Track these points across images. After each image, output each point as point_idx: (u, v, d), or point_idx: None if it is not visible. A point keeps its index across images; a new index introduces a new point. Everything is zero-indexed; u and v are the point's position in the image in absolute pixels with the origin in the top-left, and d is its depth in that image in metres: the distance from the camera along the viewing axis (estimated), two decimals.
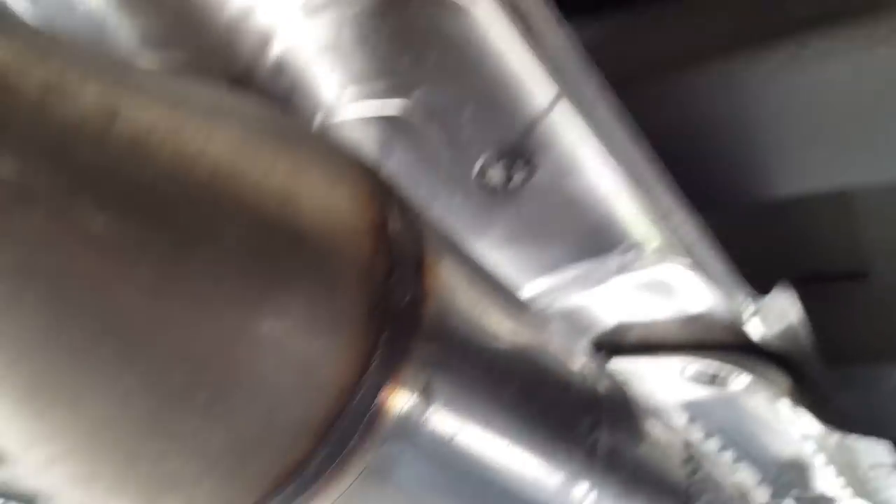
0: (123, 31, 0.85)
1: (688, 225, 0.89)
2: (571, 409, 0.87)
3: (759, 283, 1.80)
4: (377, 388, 0.58)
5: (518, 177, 1.06)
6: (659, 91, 0.96)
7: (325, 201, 0.60)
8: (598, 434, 0.90)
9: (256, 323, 0.51)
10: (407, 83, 0.93)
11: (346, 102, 0.95)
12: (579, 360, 0.99)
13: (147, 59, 0.88)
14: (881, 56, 0.84)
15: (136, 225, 0.48)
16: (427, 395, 0.64)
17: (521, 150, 1.03)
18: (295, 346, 0.53)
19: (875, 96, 0.89)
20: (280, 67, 0.92)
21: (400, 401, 0.60)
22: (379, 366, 0.58)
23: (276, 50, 0.90)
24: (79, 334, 0.48)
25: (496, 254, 1.22)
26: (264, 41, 0.89)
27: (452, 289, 0.71)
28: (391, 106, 0.96)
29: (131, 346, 0.49)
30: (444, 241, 0.77)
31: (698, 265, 0.98)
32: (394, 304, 0.60)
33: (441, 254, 0.72)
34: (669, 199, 0.84)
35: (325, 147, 0.67)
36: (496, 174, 1.06)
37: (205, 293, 0.49)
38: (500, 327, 0.79)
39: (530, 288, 1.32)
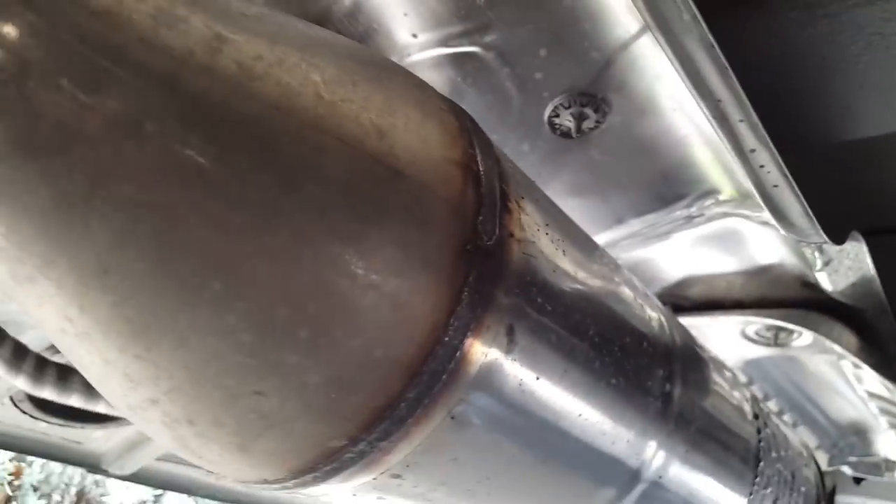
0: None
1: (771, 166, 0.85)
2: (647, 360, 0.86)
3: (831, 235, 1.74)
4: (465, 329, 0.58)
5: (589, 121, 1.04)
6: (747, 21, 0.91)
7: (418, 136, 0.59)
8: (672, 386, 0.89)
9: (356, 257, 0.51)
10: (481, 26, 0.90)
11: (420, 46, 0.94)
12: (655, 309, 0.97)
13: None
14: None
15: (244, 158, 0.48)
16: (510, 339, 0.63)
17: (594, 92, 1.00)
18: (391, 282, 0.52)
19: None
20: (356, 10, 0.90)
21: (484, 344, 0.60)
22: (467, 305, 0.57)
23: None
24: (186, 270, 0.48)
25: (562, 205, 1.19)
26: None
27: (535, 230, 0.70)
28: (465, 49, 0.94)
29: (236, 281, 0.49)
30: (526, 182, 0.76)
31: (775, 210, 0.94)
32: (482, 243, 0.59)
33: (523, 194, 0.71)
34: (754, 138, 0.81)
35: (415, 83, 0.66)
36: (567, 118, 1.04)
37: (308, 228, 0.49)
38: (579, 271, 0.77)
39: (598, 238, 1.30)
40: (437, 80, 0.98)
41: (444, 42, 0.93)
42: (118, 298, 0.49)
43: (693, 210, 1.23)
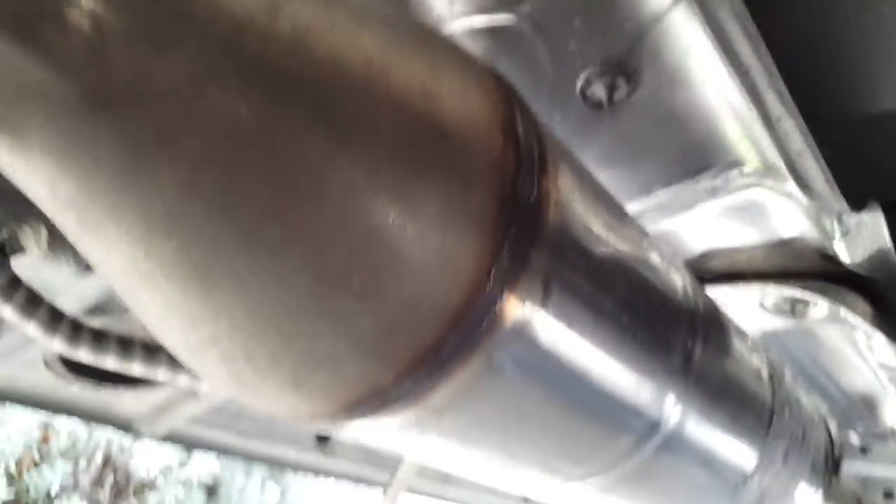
0: None
1: (796, 134, 0.87)
2: (671, 318, 0.90)
3: (851, 206, 1.76)
4: (504, 281, 0.61)
5: (621, 92, 1.06)
6: None
7: (462, 98, 0.62)
8: (693, 344, 0.93)
9: (405, 210, 0.54)
10: None
11: (456, 15, 0.96)
12: (681, 274, 1.01)
13: None
14: None
15: (299, 117, 0.51)
16: (545, 293, 0.67)
17: (626, 63, 1.02)
18: (436, 234, 0.56)
19: None
20: None
21: (521, 296, 0.64)
22: (507, 260, 0.61)
23: None
24: (247, 219, 0.52)
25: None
26: None
27: (570, 192, 0.73)
28: (499, 18, 0.96)
29: (294, 230, 0.53)
30: (562, 146, 0.79)
31: (798, 177, 0.97)
32: (521, 200, 0.63)
33: (560, 157, 0.74)
34: (781, 106, 0.83)
35: (457, 49, 0.69)
36: (599, 89, 1.06)
37: (361, 181, 0.53)
38: (609, 234, 0.81)
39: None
40: (472, 50, 1.00)
41: (480, 11, 0.95)
42: (182, 244, 0.53)
43: (718, 181, 1.25)
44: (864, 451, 2.19)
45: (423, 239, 0.55)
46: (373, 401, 0.60)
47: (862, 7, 0.90)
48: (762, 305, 1.72)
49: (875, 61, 0.98)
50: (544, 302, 0.66)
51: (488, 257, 0.59)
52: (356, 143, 0.53)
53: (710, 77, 0.98)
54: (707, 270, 1.66)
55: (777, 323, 1.78)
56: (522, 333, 0.66)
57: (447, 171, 0.57)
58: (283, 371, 0.58)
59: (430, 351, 0.58)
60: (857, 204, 1.67)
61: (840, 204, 0.99)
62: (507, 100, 0.67)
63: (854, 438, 2.20)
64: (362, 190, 0.53)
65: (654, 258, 0.91)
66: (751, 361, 1.16)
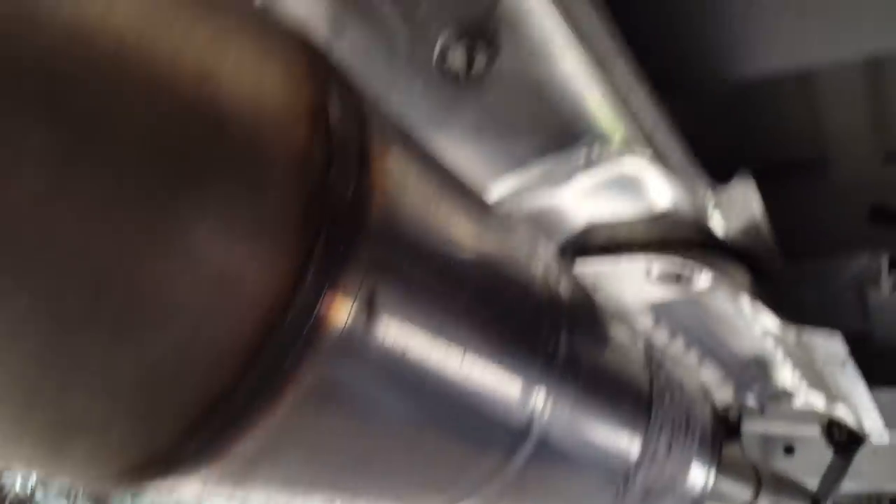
0: None
1: (648, 109, 0.81)
2: (531, 312, 0.82)
3: (722, 173, 1.76)
4: (315, 301, 0.50)
5: (480, 60, 0.96)
6: None
7: (252, 77, 0.50)
8: (557, 338, 0.85)
9: (165, 230, 0.42)
10: None
11: None
12: (541, 262, 0.93)
13: None
14: None
15: (20, 116, 0.38)
16: (373, 305, 0.56)
17: (484, 28, 0.92)
18: (213, 256, 0.44)
19: None
20: None
21: (342, 313, 0.53)
22: (316, 275, 0.50)
23: None
24: None
25: (460, 148, 1.13)
26: None
27: (402, 183, 0.63)
28: None
29: (21, 262, 0.40)
30: (393, 129, 0.68)
31: (658, 154, 0.91)
32: (333, 201, 0.52)
33: (389, 142, 0.64)
34: (630, 81, 0.76)
35: (256, 14, 0.57)
36: (457, 57, 0.96)
37: (103, 196, 0.40)
38: (455, 227, 0.71)
39: (497, 187, 1.25)
40: (313, 10, 0.88)
41: None
42: None
43: (592, 152, 1.18)
44: (761, 411, 2.26)
45: (193, 263, 0.43)
46: (155, 466, 0.48)
47: None
48: (649, 276, 1.71)
49: (736, 27, 0.93)
50: (371, 319, 0.55)
51: (288, 277, 0.48)
52: (96, 146, 0.40)
53: (565, 47, 0.90)
54: (591, 244, 1.62)
55: (665, 293, 1.77)
56: (348, 353, 0.55)
57: (225, 175, 0.45)
58: (31, 439, 0.46)
59: (218, 401, 0.47)
60: (726, 171, 1.67)
61: (701, 178, 0.95)
62: (319, 74, 0.56)
63: (751, 400, 2.27)
64: (105, 206, 0.40)
65: (509, 248, 0.83)
66: (626, 349, 1.11)
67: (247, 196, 0.46)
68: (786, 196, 1.66)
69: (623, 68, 0.75)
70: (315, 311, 0.51)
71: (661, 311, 1.94)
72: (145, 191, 0.42)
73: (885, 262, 1.59)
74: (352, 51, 0.92)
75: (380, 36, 0.91)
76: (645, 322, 1.97)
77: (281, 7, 0.86)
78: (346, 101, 0.58)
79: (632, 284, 1.74)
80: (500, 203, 1.31)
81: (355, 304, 0.54)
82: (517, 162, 1.18)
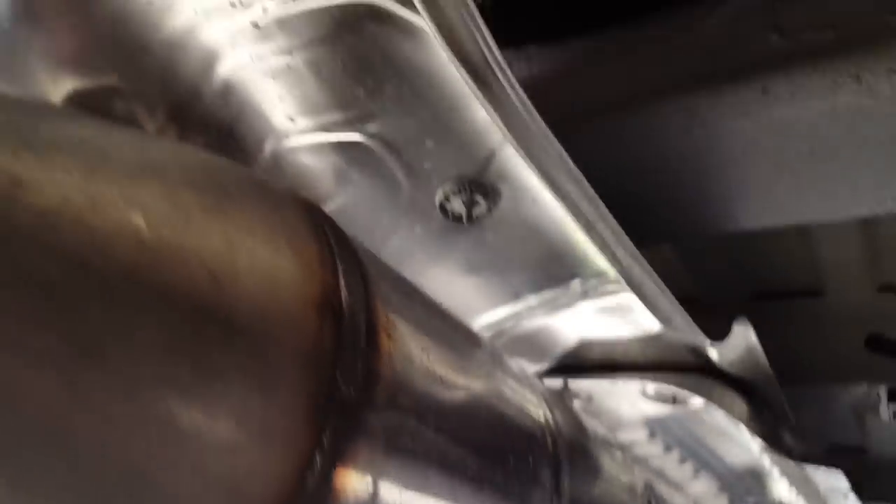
0: (35, 51, 0.77)
1: (642, 273, 0.85)
2: (532, 459, 0.84)
3: (722, 296, 1.79)
4: (322, 489, 0.53)
5: (481, 207, 1.02)
6: (627, 123, 0.92)
7: (265, 277, 0.53)
8: (559, 482, 0.87)
9: (176, 431, 0.45)
10: (364, 115, 0.87)
11: (299, 130, 0.89)
12: (538, 402, 0.96)
13: (69, 87, 0.80)
14: (843, 102, 0.81)
15: (40, 328, 0.42)
16: (378, 484, 0.59)
17: (483, 180, 0.98)
18: (220, 464, 0.47)
19: (836, 140, 0.87)
20: (227, 91, 0.85)
21: (350, 495, 0.55)
22: (323, 464, 0.52)
23: (222, 72, 0.84)
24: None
25: (458, 281, 1.17)
26: (209, 62, 0.83)
27: (407, 353, 0.66)
28: (348, 136, 0.90)
29: (30, 465, 0.43)
30: (395, 291, 0.72)
31: (654, 310, 0.95)
32: (341, 390, 0.55)
33: (393, 311, 0.67)
34: (619, 245, 0.81)
35: (269, 202, 0.61)
36: (458, 204, 1.01)
37: (114, 407, 0.44)
38: (455, 388, 0.74)
39: (494, 314, 1.29)
40: (319, 164, 0.94)
41: (325, 128, 0.88)
42: None
43: (588, 286, 1.22)
44: None
45: (206, 462, 0.46)
46: None
47: (715, 143, 0.90)
48: (644, 393, 1.72)
49: (731, 188, 0.98)
50: (377, 494, 0.58)
51: (298, 466, 0.51)
52: (109, 357, 0.43)
53: (552, 202, 0.95)
54: (586, 360, 1.64)
55: (660, 409, 1.78)
56: None
57: (238, 381, 0.48)
58: None
59: None
60: (726, 295, 1.70)
61: (695, 336, 0.98)
62: (330, 262, 0.60)
63: None
64: (116, 416, 0.44)
65: (508, 395, 0.86)
66: (622, 479, 1.12)
67: (258, 397, 0.49)
68: (784, 321, 1.68)
69: (603, 226, 0.80)
70: (325, 497, 0.53)
71: (656, 425, 1.94)
72: (154, 400, 0.45)
73: (883, 393, 1.60)
74: (355, 197, 0.97)
75: (383, 185, 0.96)
76: (640, 435, 1.97)
77: (291, 158, 0.92)
78: (353, 278, 0.62)
79: (627, 400, 1.75)
80: (494, 326, 1.34)
81: (362, 484, 0.56)
82: (514, 294, 1.22)
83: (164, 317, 0.46)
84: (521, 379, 0.97)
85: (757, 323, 1.74)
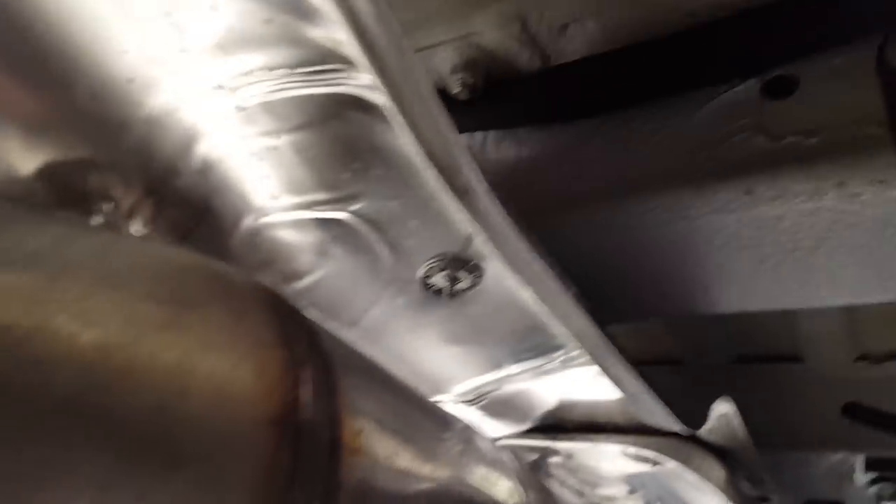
0: (9, 119, 0.75)
1: (628, 377, 0.85)
2: None
3: (705, 359, 1.79)
4: None
5: (463, 282, 1.01)
6: (613, 210, 0.92)
7: (221, 394, 0.51)
8: None
9: None
10: (349, 195, 0.86)
11: (281, 207, 0.88)
12: (509, 482, 0.94)
13: (42, 159, 0.78)
14: (826, 206, 0.82)
15: None
16: None
17: (466, 257, 0.97)
18: None
19: (817, 239, 0.87)
20: (207, 169, 0.84)
21: None
22: None
23: (202, 151, 0.82)
24: None
25: (439, 351, 1.16)
26: (190, 141, 0.81)
27: (373, 459, 0.64)
28: (331, 215, 0.89)
29: None
30: (364, 391, 0.70)
31: (640, 409, 0.95)
32: None
33: (361, 416, 0.65)
34: (605, 362, 0.81)
35: (233, 307, 0.59)
36: (441, 279, 1.00)
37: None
38: (421, 480, 0.73)
39: (474, 382, 1.27)
40: (300, 239, 0.92)
41: (308, 206, 0.87)
42: None
43: (569, 356, 1.21)
44: None
45: None
46: None
47: (695, 236, 0.90)
48: (625, 454, 1.71)
49: (711, 275, 0.98)
50: None
51: None
52: (44, 495, 0.42)
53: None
54: (567, 420, 1.63)
55: (641, 468, 1.77)
56: None
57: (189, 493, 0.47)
58: None
59: None
60: (710, 359, 1.70)
61: (680, 427, 0.97)
62: (293, 372, 0.58)
63: None
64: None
65: (478, 481, 0.85)
66: None
67: None
68: (765, 385, 1.69)
69: (573, 312, 0.79)
70: None
71: (636, 482, 1.92)
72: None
73: (860, 462, 1.60)
74: (336, 271, 0.96)
75: (366, 260, 0.95)
76: (620, 491, 1.95)
77: (270, 234, 0.91)
78: (319, 387, 0.60)
79: (608, 459, 1.74)
80: (475, 391, 1.33)
81: None
82: (496, 364, 1.21)
83: (104, 450, 0.44)
84: (492, 462, 0.96)
85: (738, 385, 1.74)
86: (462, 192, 0.63)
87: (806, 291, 0.96)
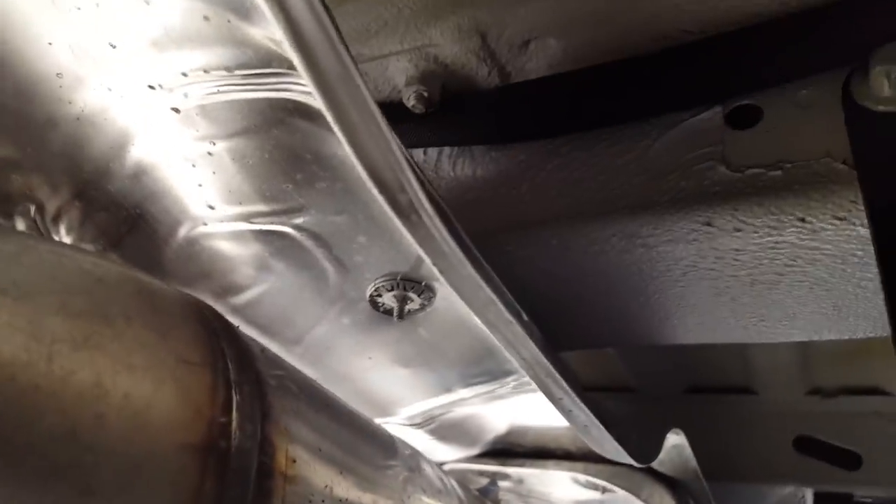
0: None
1: (579, 411, 0.82)
2: None
3: (658, 389, 1.78)
4: None
5: (414, 303, 0.96)
6: (569, 236, 0.88)
7: (140, 419, 0.47)
8: None
9: None
10: (292, 208, 0.81)
11: (218, 218, 0.83)
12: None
13: None
14: (786, 241, 0.80)
15: None
16: None
17: (417, 277, 0.92)
18: None
19: (777, 273, 0.85)
20: (140, 172, 0.78)
21: None
22: None
23: (136, 153, 0.77)
24: None
25: (387, 372, 1.11)
26: (122, 143, 0.76)
27: (307, 491, 0.60)
28: (272, 228, 0.84)
29: None
30: (300, 416, 0.65)
31: (591, 441, 0.91)
32: None
33: (295, 442, 0.61)
34: (561, 391, 0.77)
35: (157, 324, 0.54)
36: (390, 299, 0.95)
37: None
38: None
39: (423, 405, 1.22)
40: (239, 251, 0.87)
41: (248, 218, 0.82)
42: None
43: (523, 381, 1.18)
44: None
45: None
46: None
47: (656, 264, 0.87)
48: (575, 480, 1.68)
49: (671, 306, 0.95)
50: None
51: None
52: None
53: None
54: (518, 445, 1.60)
55: (591, 495, 1.74)
56: None
57: None
58: None
59: None
60: (665, 389, 1.68)
61: (629, 461, 0.95)
62: (221, 394, 0.53)
63: None
64: None
65: None
66: None
67: None
68: (717, 415, 1.68)
69: (553, 382, 0.76)
70: None
71: None
72: None
73: (809, 495, 1.59)
74: (277, 285, 0.91)
75: (310, 276, 0.90)
76: None
77: (208, 244, 0.85)
78: (249, 411, 0.55)
79: (558, 486, 1.71)
80: (424, 414, 1.28)
81: None
82: (445, 388, 1.17)
83: (5, 479, 0.39)
84: (439, 491, 0.92)
85: (690, 415, 1.73)
86: (406, 214, 0.59)
87: (764, 326, 0.94)
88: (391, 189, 0.56)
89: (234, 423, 0.53)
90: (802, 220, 0.76)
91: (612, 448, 0.92)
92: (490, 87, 0.89)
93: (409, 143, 0.96)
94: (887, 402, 1.56)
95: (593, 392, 1.73)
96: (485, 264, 0.71)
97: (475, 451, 1.56)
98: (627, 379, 1.66)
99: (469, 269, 0.65)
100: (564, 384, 0.78)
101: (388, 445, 0.88)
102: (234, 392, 0.55)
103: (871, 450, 1.54)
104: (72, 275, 0.53)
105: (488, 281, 0.69)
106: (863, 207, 0.71)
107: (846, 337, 0.92)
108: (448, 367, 1.11)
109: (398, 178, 0.55)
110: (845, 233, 0.76)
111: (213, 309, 0.64)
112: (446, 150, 0.95)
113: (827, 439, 1.55)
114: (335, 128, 0.51)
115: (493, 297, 0.69)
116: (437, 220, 0.60)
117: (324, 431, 0.69)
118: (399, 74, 0.91)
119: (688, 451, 1.33)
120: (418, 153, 0.96)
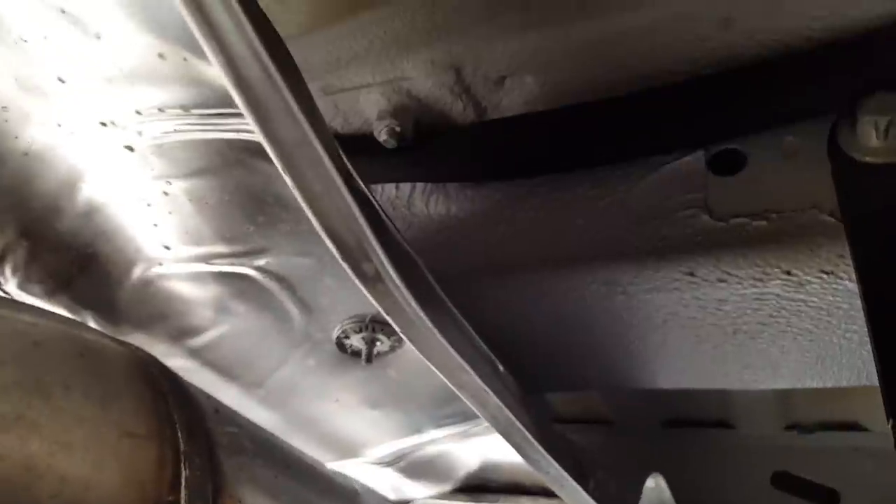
0: None
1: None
2: None
3: (636, 422, 1.75)
4: None
5: (383, 345, 0.92)
6: (548, 280, 0.85)
7: (79, 502, 0.43)
8: None
9: None
10: (253, 250, 0.77)
11: (175, 258, 0.78)
12: None
13: None
14: (771, 292, 0.77)
15: None
16: None
17: (385, 319, 0.88)
18: None
19: (760, 324, 0.83)
20: (92, 211, 0.73)
21: None
22: None
23: (87, 192, 0.72)
24: None
25: (355, 414, 1.06)
26: (73, 180, 0.71)
27: None
28: (233, 269, 0.79)
29: None
30: (253, 481, 0.61)
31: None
32: None
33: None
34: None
35: (99, 392, 0.50)
36: (358, 341, 0.91)
37: None
38: None
39: (393, 446, 1.18)
40: (198, 294, 0.82)
41: (206, 259, 0.78)
42: None
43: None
44: None
45: None
46: None
47: (636, 312, 0.84)
48: None
49: (652, 351, 0.92)
50: None
51: None
52: None
53: None
54: (491, 481, 1.56)
55: None
56: None
57: None
58: None
59: None
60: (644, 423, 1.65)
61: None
62: (168, 476, 0.49)
63: None
64: None
65: None
66: None
67: None
68: (695, 449, 1.65)
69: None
70: None
71: None
72: None
73: None
74: (239, 327, 0.86)
75: (273, 318, 0.86)
76: None
77: (163, 284, 0.81)
78: (198, 485, 0.51)
79: None
80: (394, 454, 1.24)
81: None
82: (415, 429, 1.12)
83: None
84: None
85: (668, 449, 1.70)
86: (371, 283, 0.56)
87: (746, 373, 0.92)
88: (355, 258, 0.52)
89: (182, 502, 0.49)
90: (788, 272, 0.73)
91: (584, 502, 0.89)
92: (465, 122, 0.86)
93: (379, 178, 0.93)
94: (866, 437, 1.54)
95: (571, 424, 1.70)
96: (459, 320, 0.67)
97: (448, 487, 1.51)
98: (605, 411, 1.63)
99: (437, 337, 0.62)
100: (529, 440, 0.75)
101: (350, 498, 0.83)
102: (182, 466, 0.51)
103: (849, 486, 1.52)
104: (4, 339, 0.48)
105: (460, 343, 0.66)
106: (850, 261, 0.68)
107: (829, 385, 0.90)
108: (418, 408, 1.07)
109: (363, 247, 0.52)
110: (832, 286, 0.73)
111: (162, 365, 0.60)
112: (419, 186, 0.91)
113: (805, 475, 1.53)
114: (295, 193, 0.47)
115: (464, 364, 0.65)
116: (404, 290, 0.56)
117: (280, 496, 0.64)
118: (370, 107, 0.87)
119: (667, 492, 1.31)
120: (390, 188, 0.93)
